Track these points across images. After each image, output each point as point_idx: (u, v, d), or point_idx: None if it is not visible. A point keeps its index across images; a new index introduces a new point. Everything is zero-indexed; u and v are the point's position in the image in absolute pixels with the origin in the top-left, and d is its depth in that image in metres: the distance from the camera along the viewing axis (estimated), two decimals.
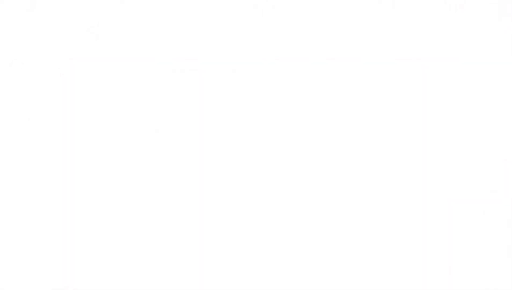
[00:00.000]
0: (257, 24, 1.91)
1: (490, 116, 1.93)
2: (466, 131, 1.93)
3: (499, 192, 1.91)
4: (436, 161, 1.93)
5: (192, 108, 1.92)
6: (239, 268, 1.93)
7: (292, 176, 1.94)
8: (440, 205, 1.92)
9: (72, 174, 1.90)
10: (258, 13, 1.91)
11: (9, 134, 1.90)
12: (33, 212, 1.90)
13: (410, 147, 1.94)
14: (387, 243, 1.93)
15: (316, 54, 1.92)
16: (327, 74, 1.93)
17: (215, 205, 1.94)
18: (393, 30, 1.92)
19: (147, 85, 1.91)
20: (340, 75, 1.92)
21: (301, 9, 1.92)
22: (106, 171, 1.92)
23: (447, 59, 1.92)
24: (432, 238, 1.93)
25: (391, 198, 1.93)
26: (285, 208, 1.94)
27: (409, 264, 1.93)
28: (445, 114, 1.93)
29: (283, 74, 1.93)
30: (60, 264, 1.91)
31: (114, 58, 1.90)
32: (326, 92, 1.94)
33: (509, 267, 1.91)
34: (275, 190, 1.95)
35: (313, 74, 1.93)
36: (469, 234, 1.92)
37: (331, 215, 1.93)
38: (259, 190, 1.94)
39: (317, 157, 1.94)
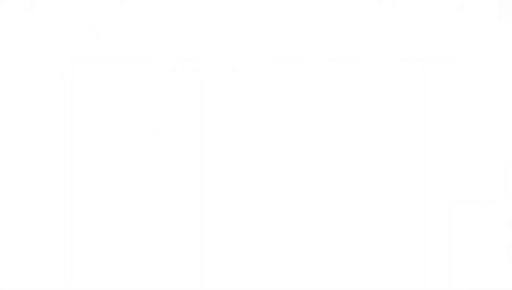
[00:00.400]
0: (257, 24, 1.91)
1: (490, 116, 1.92)
2: (466, 131, 1.93)
3: (499, 191, 1.91)
4: (436, 161, 1.93)
5: (192, 108, 1.92)
6: (239, 268, 1.93)
7: (292, 175, 1.94)
8: (440, 205, 1.92)
9: (72, 174, 1.90)
10: (258, 13, 1.91)
11: (9, 134, 1.90)
12: (33, 212, 1.90)
13: (410, 147, 1.94)
14: (387, 242, 1.92)
15: (316, 54, 1.92)
16: (327, 74, 1.93)
17: (215, 204, 1.94)
18: (393, 30, 1.92)
19: (147, 85, 1.91)
20: (340, 75, 1.92)
21: (301, 9, 1.91)
22: (106, 171, 1.92)
23: (447, 59, 1.92)
24: (432, 237, 1.92)
25: (391, 197, 1.93)
26: (285, 208, 1.94)
27: (409, 264, 1.92)
28: (445, 114, 1.93)
29: (283, 74, 1.93)
30: (60, 264, 1.90)
31: (114, 58, 1.90)
32: (326, 92, 1.94)
33: (509, 267, 1.91)
34: (275, 189, 1.95)
35: (313, 74, 1.93)
36: (469, 234, 1.92)
37: (331, 214, 1.93)
38: (259, 189, 1.94)
39: (317, 156, 1.94)
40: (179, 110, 1.92)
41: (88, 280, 1.90)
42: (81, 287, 1.91)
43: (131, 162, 1.92)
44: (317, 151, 1.94)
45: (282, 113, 1.94)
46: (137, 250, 1.91)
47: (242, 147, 1.95)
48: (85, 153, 1.91)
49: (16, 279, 1.90)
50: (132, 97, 1.91)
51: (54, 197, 1.91)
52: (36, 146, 1.90)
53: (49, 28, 1.89)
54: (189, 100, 1.92)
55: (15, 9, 1.89)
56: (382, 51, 1.92)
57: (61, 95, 1.90)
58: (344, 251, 1.92)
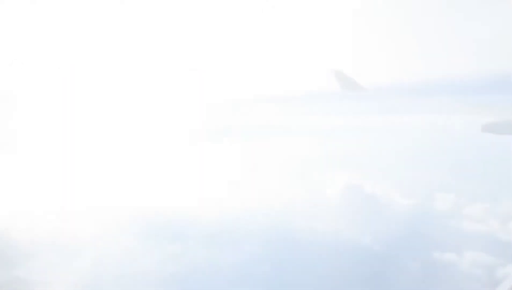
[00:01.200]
0: (257, 24, 1.90)
1: (489, 115, 1.93)
2: (466, 130, 1.94)
3: (496, 187, 1.92)
4: (435, 159, 1.94)
5: (192, 108, 1.92)
6: (238, 266, 1.94)
7: (292, 174, 1.95)
8: (439, 204, 1.93)
9: (72, 173, 1.91)
10: (258, 13, 1.90)
11: (9, 133, 1.90)
12: (33, 211, 1.91)
13: (410, 146, 1.94)
14: None
15: (316, 54, 1.92)
16: (327, 74, 1.93)
17: (215, 203, 1.94)
18: (393, 30, 1.91)
19: (147, 85, 1.91)
20: (340, 75, 1.92)
21: (301, 9, 1.91)
22: (106, 170, 1.92)
23: (447, 59, 1.91)
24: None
25: (390, 197, 1.93)
26: (284, 205, 1.94)
27: None
28: (445, 114, 1.93)
29: (283, 74, 1.92)
30: (60, 262, 1.91)
31: (114, 58, 1.90)
32: (326, 92, 1.94)
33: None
34: (275, 189, 1.95)
35: (313, 74, 1.93)
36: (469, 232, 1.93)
37: (328, 213, 1.94)
38: (260, 189, 1.95)
39: (317, 156, 1.95)
40: (179, 110, 1.92)
41: (89, 278, 1.91)
42: (81, 283, 1.91)
43: (131, 161, 1.92)
44: (317, 150, 1.94)
45: (282, 112, 1.94)
46: (137, 249, 1.91)
47: (242, 145, 1.95)
48: (85, 152, 1.92)
49: (17, 278, 1.90)
50: (132, 97, 1.91)
51: (54, 195, 1.91)
52: (36, 146, 1.90)
53: (49, 28, 1.89)
54: (189, 100, 1.92)
55: (15, 9, 1.88)
56: (382, 51, 1.92)
57: (61, 95, 1.90)
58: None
